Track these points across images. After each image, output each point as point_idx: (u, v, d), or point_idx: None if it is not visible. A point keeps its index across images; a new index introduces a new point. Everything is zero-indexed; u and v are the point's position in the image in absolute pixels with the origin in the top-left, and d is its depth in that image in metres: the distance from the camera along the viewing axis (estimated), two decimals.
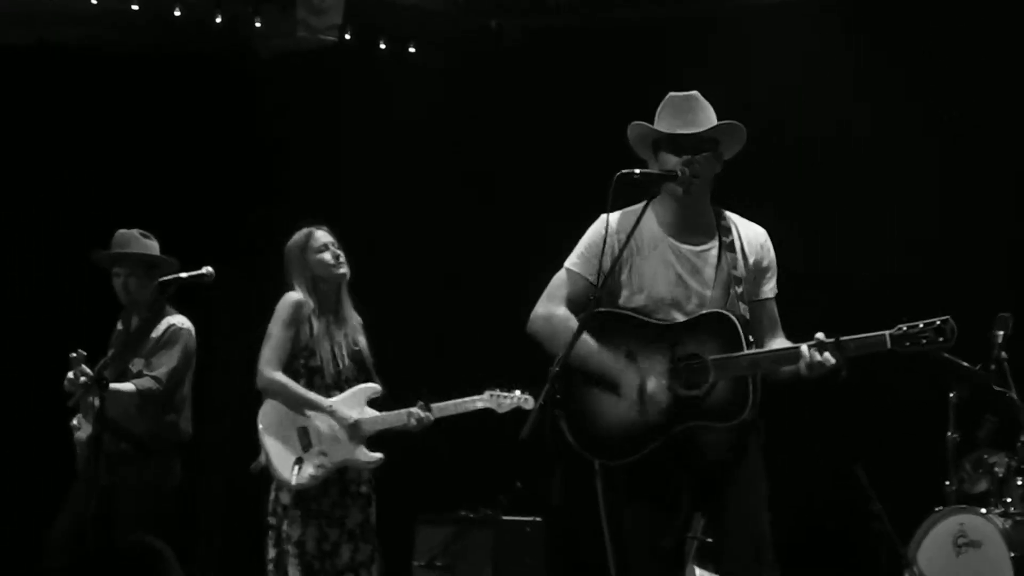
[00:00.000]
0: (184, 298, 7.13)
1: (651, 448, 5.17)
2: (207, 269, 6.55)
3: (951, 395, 7.66)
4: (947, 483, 7.65)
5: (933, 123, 8.86)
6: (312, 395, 6.75)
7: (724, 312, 5.22)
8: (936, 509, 7.47)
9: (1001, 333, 7.43)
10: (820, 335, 5.07)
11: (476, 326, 9.56)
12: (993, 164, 8.78)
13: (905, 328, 5.02)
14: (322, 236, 6.89)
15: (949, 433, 7.67)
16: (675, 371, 5.18)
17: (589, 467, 5.33)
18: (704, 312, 5.24)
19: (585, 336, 5.17)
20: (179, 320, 7.24)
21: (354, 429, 6.72)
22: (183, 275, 6.66)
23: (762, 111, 8.27)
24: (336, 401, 6.76)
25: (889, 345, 5.02)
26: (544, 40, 10.04)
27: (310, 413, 6.74)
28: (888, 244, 8.95)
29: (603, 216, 5.35)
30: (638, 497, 5.26)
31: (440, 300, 9.89)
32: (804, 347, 5.09)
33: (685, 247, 5.33)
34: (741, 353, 5.16)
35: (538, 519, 8.75)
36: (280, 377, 6.73)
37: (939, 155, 8.85)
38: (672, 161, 5.26)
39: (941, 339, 5.01)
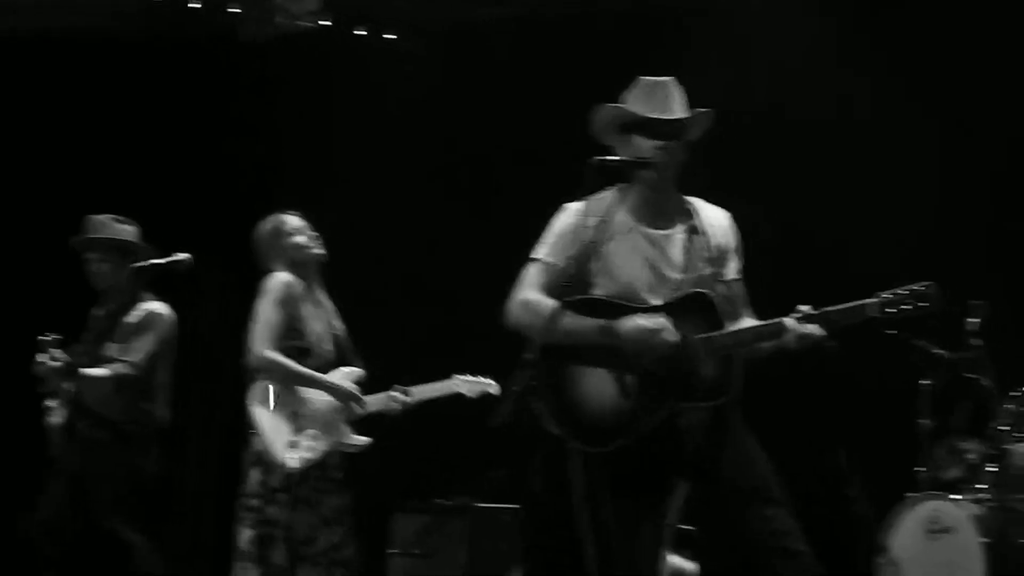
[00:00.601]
0: (169, 286, 7.12)
1: (637, 433, 5.15)
2: (183, 255, 6.55)
3: (924, 382, 7.69)
4: (920, 469, 7.67)
5: (916, 107, 8.89)
6: (306, 370, 6.70)
7: (704, 291, 5.23)
8: (909, 495, 7.49)
9: (974, 320, 7.45)
10: (803, 307, 5.08)
11: (450, 313, 9.56)
12: (971, 154, 8.81)
13: (887, 295, 5.04)
14: (294, 220, 6.88)
15: (922, 420, 7.69)
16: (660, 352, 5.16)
17: (563, 454, 5.34)
18: (684, 292, 5.24)
19: (571, 314, 5.17)
20: (156, 306, 7.23)
21: (343, 412, 6.71)
22: (158, 261, 6.66)
23: (743, 93, 8.35)
24: (336, 375, 6.77)
25: (873, 312, 5.03)
26: (527, 27, 10.02)
27: (306, 395, 6.71)
28: (869, 229, 8.95)
29: (570, 205, 5.36)
30: (619, 485, 5.23)
31: (414, 288, 9.90)
32: (787, 320, 5.09)
33: (654, 232, 5.33)
34: (725, 331, 5.17)
35: (514, 507, 8.75)
36: (274, 355, 6.65)
37: (917, 142, 8.87)
38: (646, 146, 5.27)
39: (924, 304, 5.02)
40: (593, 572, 5.29)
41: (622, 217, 5.34)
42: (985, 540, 7.06)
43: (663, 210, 5.37)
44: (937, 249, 8.31)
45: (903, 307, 5.02)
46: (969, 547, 7.10)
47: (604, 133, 5.40)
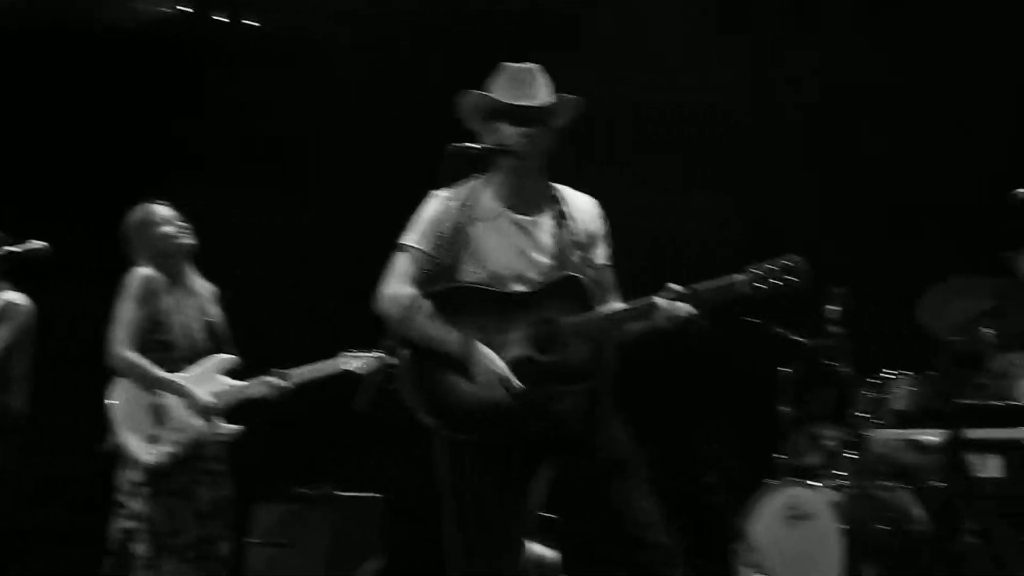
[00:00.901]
0: (27, 275, 6.98)
1: (509, 419, 5.15)
2: (39, 243, 6.42)
3: (784, 369, 7.76)
4: (779, 456, 7.75)
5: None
6: (162, 374, 6.61)
7: (574, 275, 5.24)
8: (768, 482, 7.55)
9: (833, 307, 7.52)
10: (673, 285, 5.09)
11: (330, 296, 9.50)
12: (832, 143, 8.92)
13: (756, 270, 5.05)
14: (162, 210, 6.79)
15: (781, 407, 7.77)
16: (531, 338, 5.17)
17: (429, 443, 5.32)
18: (555, 277, 5.25)
19: (435, 319, 5.20)
20: (14, 296, 7.09)
21: (206, 406, 6.64)
22: (14, 249, 6.52)
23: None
24: (187, 378, 6.68)
25: (743, 289, 5.04)
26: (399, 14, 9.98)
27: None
28: (732, 215, 9.03)
29: (437, 192, 5.35)
30: (490, 474, 5.22)
31: (295, 271, 9.82)
32: (657, 299, 5.10)
33: (522, 218, 5.34)
34: (596, 313, 5.18)
35: (376, 495, 8.71)
36: (131, 356, 6.57)
37: (775, 132, 8.97)
38: (511, 132, 5.27)
39: (794, 278, 5.04)
40: (459, 561, 5.28)
41: (489, 203, 5.35)
42: (843, 526, 7.13)
43: (530, 196, 5.38)
44: (796, 235, 8.40)
45: (773, 282, 5.04)
46: (827, 533, 7.16)
47: (470, 120, 5.37)
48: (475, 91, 5.31)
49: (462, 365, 5.18)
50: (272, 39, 10.15)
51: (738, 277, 5.07)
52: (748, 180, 9.08)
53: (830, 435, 7.71)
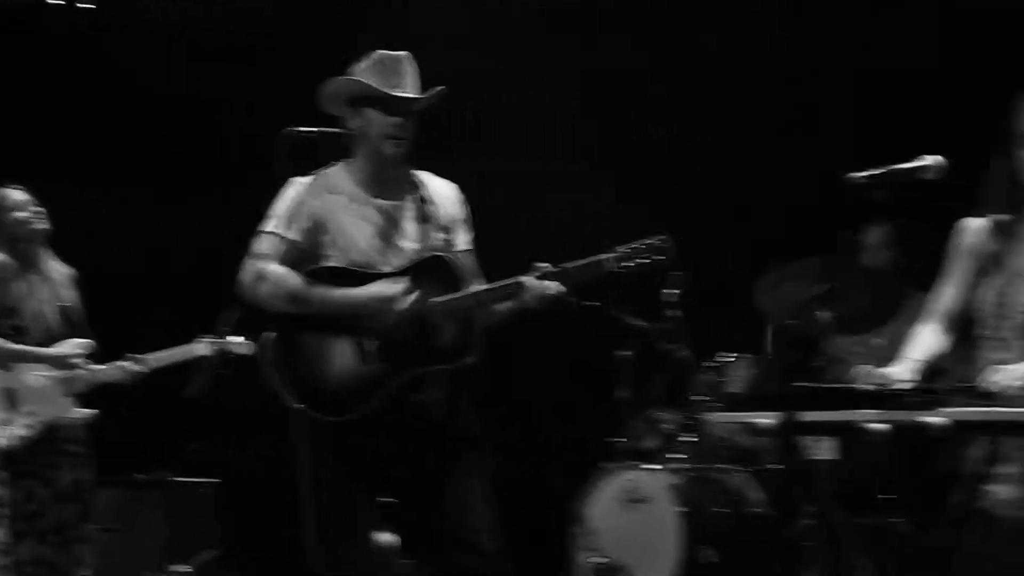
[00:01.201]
0: None
1: (377, 401, 5.13)
2: None
3: (622, 352, 7.76)
4: (617, 440, 7.75)
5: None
6: (20, 347, 6.60)
7: (442, 255, 5.27)
8: (605, 465, 7.54)
9: (671, 291, 7.53)
10: (540, 264, 5.12)
11: (188, 281, 9.35)
12: (660, 128, 8.95)
13: (624, 249, 5.12)
14: (16, 194, 6.78)
15: (619, 390, 7.77)
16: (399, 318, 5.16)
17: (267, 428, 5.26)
18: (423, 256, 5.26)
19: (308, 284, 5.20)
20: None
21: (62, 385, 6.58)
22: None
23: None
24: (62, 347, 6.66)
25: (610, 267, 5.10)
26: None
27: (20, 372, 6.59)
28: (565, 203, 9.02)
29: (298, 178, 5.34)
30: (352, 460, 5.21)
31: (153, 255, 9.66)
32: (525, 278, 5.13)
33: (383, 203, 5.34)
34: (464, 292, 5.20)
35: (211, 481, 8.60)
36: None
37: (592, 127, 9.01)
38: (382, 120, 5.27)
39: (660, 256, 5.15)
40: (314, 545, 5.25)
41: (350, 189, 5.36)
42: (681, 509, 7.15)
43: (392, 182, 5.39)
44: (634, 219, 8.39)
45: (639, 260, 5.12)
46: (665, 517, 7.18)
47: (333, 104, 5.36)
48: (344, 77, 5.31)
49: (338, 326, 5.17)
50: (111, 21, 9.95)
51: (605, 256, 5.13)
52: (594, 164, 9.09)
53: (667, 418, 7.75)
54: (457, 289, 5.22)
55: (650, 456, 7.63)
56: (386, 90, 5.25)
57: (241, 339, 6.98)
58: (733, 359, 7.67)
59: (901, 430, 4.32)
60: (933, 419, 4.24)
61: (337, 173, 5.39)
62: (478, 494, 5.23)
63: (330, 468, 5.21)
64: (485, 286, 5.29)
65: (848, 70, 8.86)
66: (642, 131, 9.12)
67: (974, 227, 4.68)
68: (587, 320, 7.48)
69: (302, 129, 5.20)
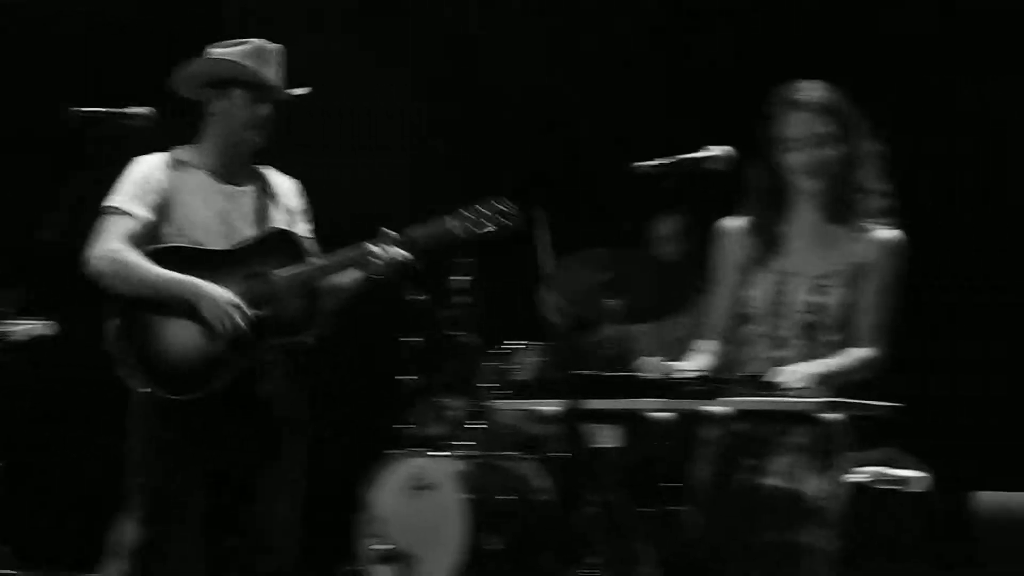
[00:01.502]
0: None
1: (223, 379, 5.14)
2: None
3: (409, 338, 7.71)
4: (403, 426, 7.71)
5: None
6: None
7: (285, 228, 5.31)
8: (391, 452, 7.50)
9: (460, 277, 7.53)
10: (385, 230, 5.18)
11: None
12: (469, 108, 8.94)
13: (469, 213, 5.22)
14: None
15: (406, 376, 7.73)
16: (243, 293, 5.17)
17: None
18: (264, 232, 5.29)
19: (152, 266, 5.17)
20: None
21: None
22: None
23: None
24: None
25: (457, 231, 5.21)
26: None
27: None
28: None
29: (143, 157, 5.36)
30: (193, 440, 5.21)
31: None
32: (370, 245, 5.18)
33: (226, 187, 5.36)
34: (308, 263, 5.22)
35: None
36: None
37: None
38: (250, 107, 5.33)
39: (506, 220, 5.25)
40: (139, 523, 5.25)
41: (198, 172, 5.38)
42: (466, 497, 7.13)
43: (240, 169, 5.43)
44: (423, 206, 8.37)
45: (485, 224, 5.22)
46: (451, 504, 7.16)
47: (192, 85, 5.38)
48: (216, 57, 5.33)
49: (183, 309, 5.16)
50: None
51: (450, 221, 5.22)
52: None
53: (454, 405, 7.72)
54: (300, 261, 5.25)
55: (436, 443, 7.59)
56: (263, 77, 5.31)
57: (33, 321, 6.84)
58: (521, 347, 7.68)
59: (684, 418, 4.37)
60: (716, 408, 4.29)
61: (186, 154, 5.40)
62: (286, 496, 5.33)
63: (168, 449, 5.20)
64: (330, 255, 5.30)
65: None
66: (432, 115, 9.09)
67: (733, 229, 4.75)
68: (374, 305, 7.44)
69: (86, 110, 5.10)
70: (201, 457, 5.21)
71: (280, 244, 5.27)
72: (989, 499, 4.90)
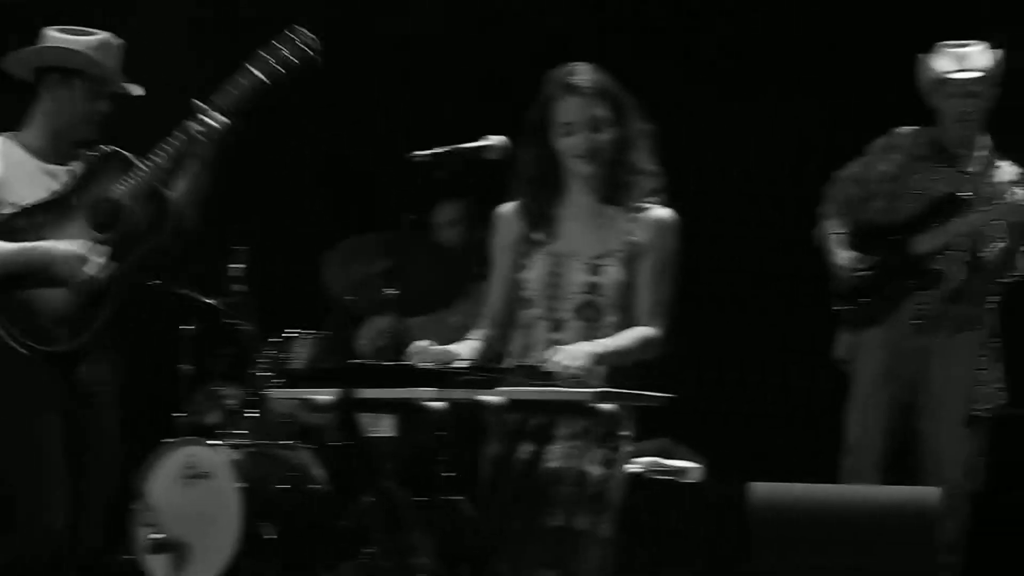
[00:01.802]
0: None
1: (92, 328, 5.31)
2: None
3: (185, 327, 7.63)
4: (179, 415, 7.62)
5: None
6: None
7: (117, 149, 5.42)
8: (165, 441, 7.40)
9: (236, 266, 7.47)
10: (196, 102, 5.25)
11: None
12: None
13: (266, 55, 5.23)
14: None
15: (182, 365, 7.64)
16: (90, 221, 5.28)
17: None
18: (96, 154, 5.42)
19: None
20: None
21: None
22: None
23: None
24: None
25: (263, 74, 5.23)
26: None
27: None
28: None
29: None
30: (53, 394, 5.35)
31: None
32: (189, 123, 5.27)
33: (51, 167, 5.45)
34: (142, 169, 5.31)
35: None
36: None
37: None
38: (93, 100, 5.42)
39: (308, 49, 5.25)
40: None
41: (19, 149, 5.46)
42: (242, 485, 7.07)
43: (65, 150, 5.49)
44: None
45: (288, 58, 5.21)
46: (226, 492, 7.08)
47: (27, 67, 5.46)
48: (67, 47, 5.39)
49: (41, 276, 5.24)
50: None
51: (252, 68, 5.23)
52: None
53: (230, 394, 7.66)
54: (135, 171, 5.33)
55: (212, 431, 7.52)
56: (109, 76, 5.40)
57: None
58: (297, 335, 7.64)
59: (458, 408, 4.38)
60: (490, 398, 4.30)
61: (18, 136, 5.49)
62: (98, 490, 5.56)
63: (30, 402, 5.32)
64: (158, 152, 5.32)
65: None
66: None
67: (507, 214, 4.76)
68: (149, 294, 7.34)
69: None
70: (57, 412, 5.36)
71: (112, 163, 5.39)
72: (763, 490, 4.99)
